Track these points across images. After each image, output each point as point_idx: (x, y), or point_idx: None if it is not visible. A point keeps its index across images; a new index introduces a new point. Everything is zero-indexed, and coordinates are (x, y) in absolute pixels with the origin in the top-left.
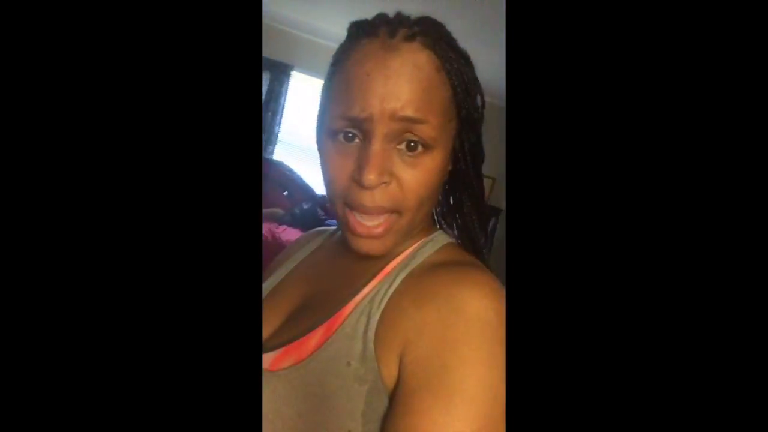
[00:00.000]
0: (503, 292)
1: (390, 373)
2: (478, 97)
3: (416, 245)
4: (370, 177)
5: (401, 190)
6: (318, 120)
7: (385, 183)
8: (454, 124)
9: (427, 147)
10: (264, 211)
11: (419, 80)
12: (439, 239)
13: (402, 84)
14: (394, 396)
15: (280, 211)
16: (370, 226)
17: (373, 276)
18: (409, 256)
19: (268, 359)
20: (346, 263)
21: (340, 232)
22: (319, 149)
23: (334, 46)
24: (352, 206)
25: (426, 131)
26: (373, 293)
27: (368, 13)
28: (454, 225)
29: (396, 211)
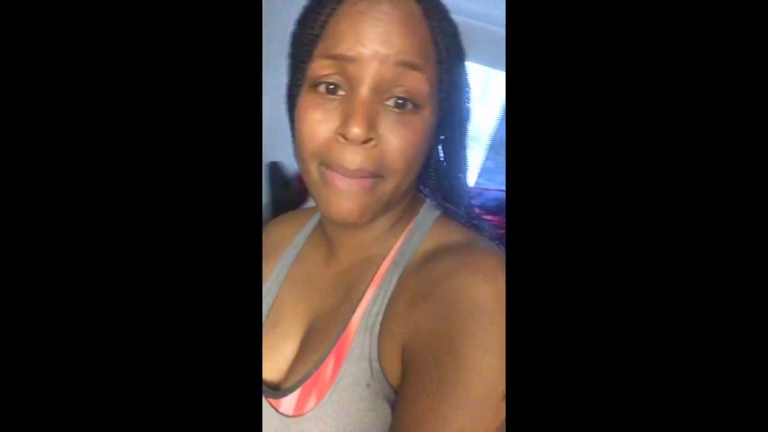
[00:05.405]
0: (501, 269)
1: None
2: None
3: (403, 236)
4: (356, 130)
5: (387, 151)
6: (290, 72)
7: (371, 140)
8: (444, 86)
9: (416, 106)
10: None
11: (414, 28)
12: (427, 218)
13: (397, 29)
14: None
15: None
16: (351, 181)
17: (369, 283)
18: (399, 251)
19: (291, 403)
20: (340, 270)
21: (317, 225)
22: (292, 106)
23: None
24: (331, 166)
25: (418, 84)
26: (371, 305)
27: None
28: (440, 188)
29: (379, 175)
